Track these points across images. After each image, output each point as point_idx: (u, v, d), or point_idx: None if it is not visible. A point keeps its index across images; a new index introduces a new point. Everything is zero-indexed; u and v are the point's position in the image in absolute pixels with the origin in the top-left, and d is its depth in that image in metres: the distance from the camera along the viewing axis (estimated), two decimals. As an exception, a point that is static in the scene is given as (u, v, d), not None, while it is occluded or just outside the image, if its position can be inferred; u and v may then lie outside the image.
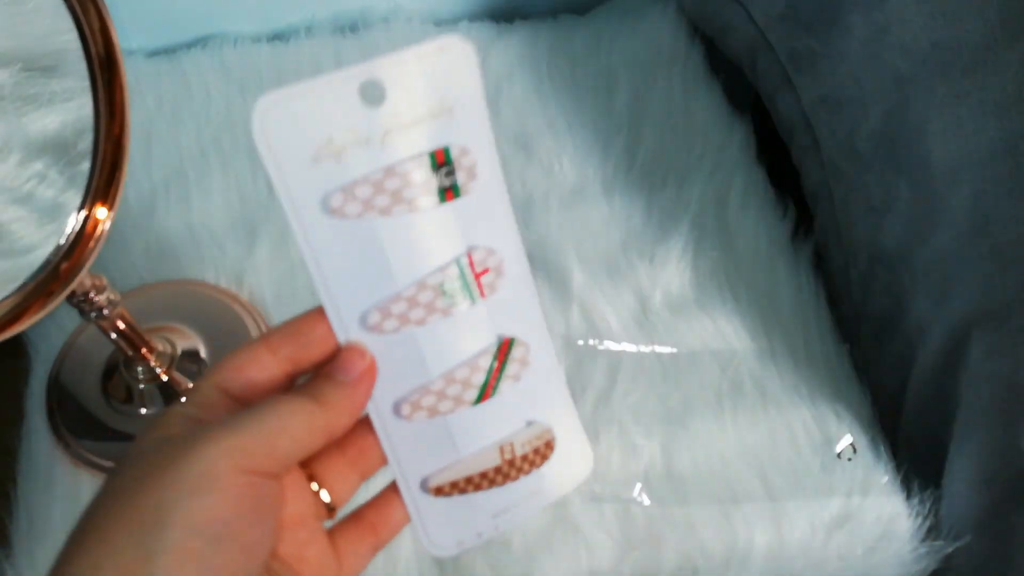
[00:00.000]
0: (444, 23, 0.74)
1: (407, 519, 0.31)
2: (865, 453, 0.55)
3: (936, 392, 0.53)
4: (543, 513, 0.53)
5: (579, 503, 0.53)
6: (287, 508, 0.28)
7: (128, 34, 0.71)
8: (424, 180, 0.26)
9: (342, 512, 0.31)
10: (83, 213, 0.45)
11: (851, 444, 0.55)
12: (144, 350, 0.55)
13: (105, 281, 0.48)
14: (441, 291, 0.28)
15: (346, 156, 0.25)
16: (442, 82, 0.26)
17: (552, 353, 0.31)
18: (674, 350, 0.59)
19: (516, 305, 0.30)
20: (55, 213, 0.44)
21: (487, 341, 0.29)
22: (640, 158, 0.67)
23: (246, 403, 0.28)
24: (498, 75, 0.71)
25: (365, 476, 0.31)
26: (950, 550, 0.52)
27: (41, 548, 0.52)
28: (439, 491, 0.30)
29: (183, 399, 0.29)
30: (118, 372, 0.56)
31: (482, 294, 0.29)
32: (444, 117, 0.27)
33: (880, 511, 0.53)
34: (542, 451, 0.31)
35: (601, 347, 0.59)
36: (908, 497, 0.53)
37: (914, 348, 0.54)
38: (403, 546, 0.52)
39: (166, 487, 0.25)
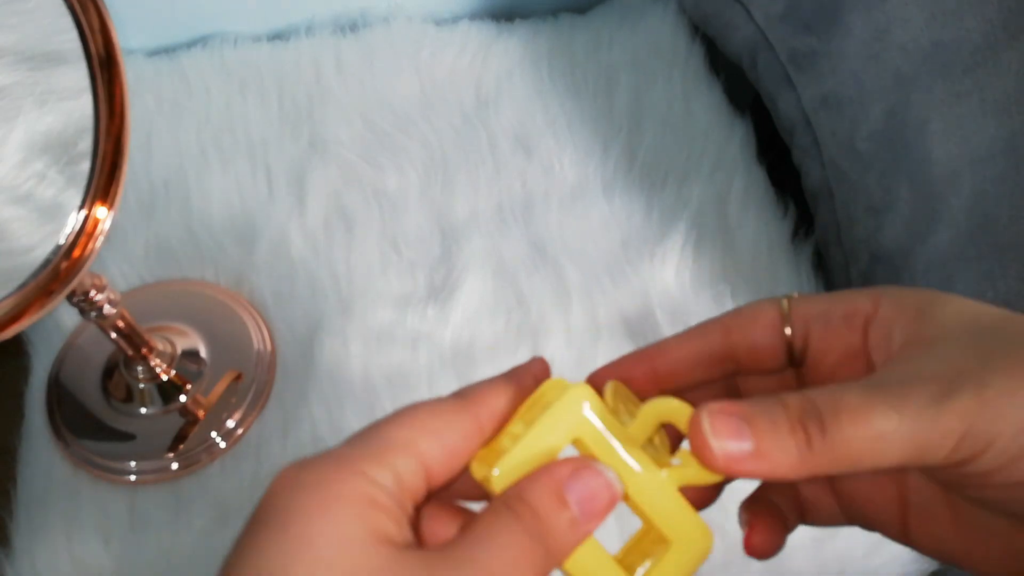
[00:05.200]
0: (444, 23, 0.74)
1: None
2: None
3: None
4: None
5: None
6: None
7: (128, 34, 0.71)
8: None
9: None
10: (83, 212, 0.45)
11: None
12: (144, 350, 0.55)
13: (105, 281, 0.48)
14: None
15: None
16: None
17: None
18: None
19: None
20: (55, 212, 0.44)
21: None
22: (640, 158, 0.67)
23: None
24: (498, 75, 0.71)
25: None
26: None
27: (41, 548, 0.52)
28: None
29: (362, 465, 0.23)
30: (118, 372, 0.56)
31: None
32: None
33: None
34: None
35: (601, 347, 0.59)
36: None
37: (914, 348, 0.54)
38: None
39: None
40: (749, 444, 0.22)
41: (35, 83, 0.42)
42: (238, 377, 0.57)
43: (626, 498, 0.25)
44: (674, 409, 0.25)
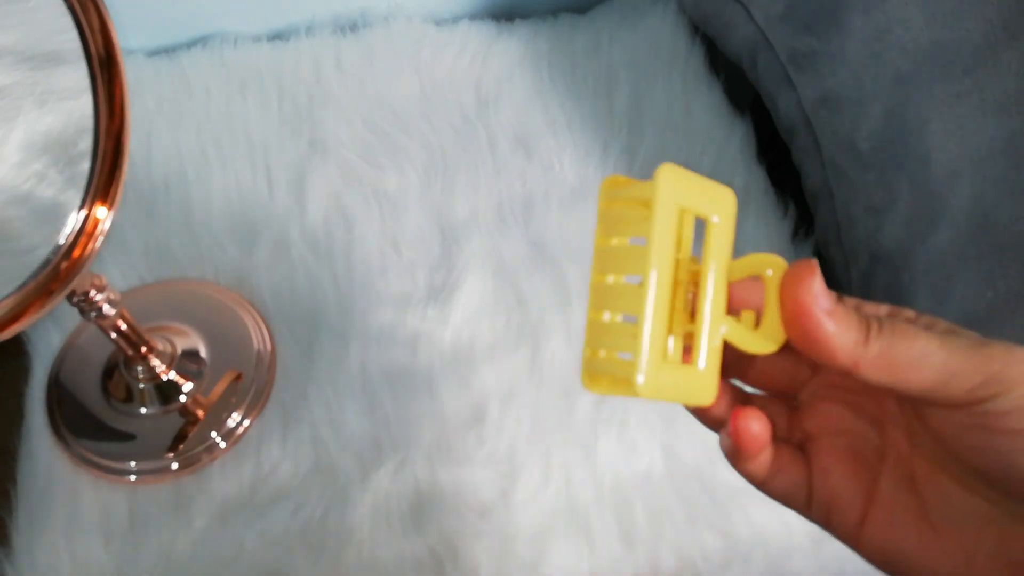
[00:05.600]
0: (444, 23, 0.74)
1: None
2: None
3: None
4: (545, 512, 0.53)
5: (581, 502, 0.53)
6: None
7: (128, 34, 0.71)
8: None
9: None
10: (83, 212, 0.45)
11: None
12: (144, 350, 0.55)
13: (105, 281, 0.48)
14: None
15: None
16: None
17: None
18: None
19: None
20: (55, 213, 0.44)
21: None
22: (640, 158, 0.67)
23: None
24: (498, 75, 0.71)
25: None
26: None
27: (41, 548, 0.52)
28: None
29: None
30: (118, 372, 0.56)
31: None
32: None
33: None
34: None
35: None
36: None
37: (914, 348, 0.54)
38: (404, 544, 0.52)
39: None
40: (829, 305, 0.26)
41: (35, 83, 0.42)
42: (238, 377, 0.57)
43: (693, 306, 0.27)
44: (773, 261, 0.27)
